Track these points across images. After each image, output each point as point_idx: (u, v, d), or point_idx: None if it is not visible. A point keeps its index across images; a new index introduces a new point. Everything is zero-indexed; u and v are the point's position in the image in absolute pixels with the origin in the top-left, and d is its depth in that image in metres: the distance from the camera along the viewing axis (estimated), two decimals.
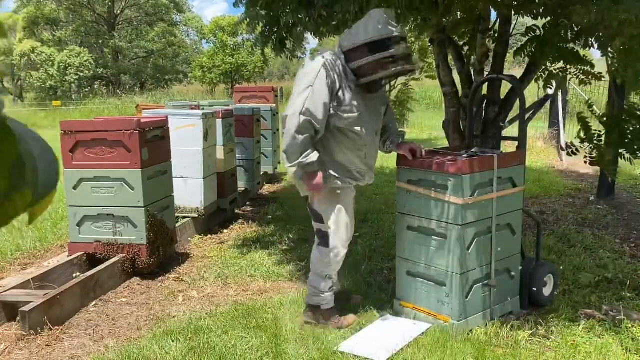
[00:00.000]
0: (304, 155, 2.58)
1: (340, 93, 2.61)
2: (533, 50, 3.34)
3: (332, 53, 2.68)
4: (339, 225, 2.80)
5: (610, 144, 3.23)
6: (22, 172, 0.45)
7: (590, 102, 3.58)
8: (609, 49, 3.05)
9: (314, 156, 2.60)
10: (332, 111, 2.61)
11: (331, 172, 2.72)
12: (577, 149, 3.49)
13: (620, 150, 3.22)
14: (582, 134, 3.37)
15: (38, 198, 0.47)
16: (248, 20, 3.65)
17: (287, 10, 3.33)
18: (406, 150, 2.82)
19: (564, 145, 3.57)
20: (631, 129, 3.16)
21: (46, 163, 0.48)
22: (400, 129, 3.04)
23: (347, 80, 2.63)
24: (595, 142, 3.32)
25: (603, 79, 3.46)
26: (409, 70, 2.68)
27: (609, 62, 3.16)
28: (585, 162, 3.45)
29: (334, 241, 2.80)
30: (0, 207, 0.45)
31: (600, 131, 3.33)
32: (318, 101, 2.56)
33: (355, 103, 2.64)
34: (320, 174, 2.65)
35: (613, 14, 2.37)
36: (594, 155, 3.33)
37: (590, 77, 3.56)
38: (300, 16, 3.29)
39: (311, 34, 3.83)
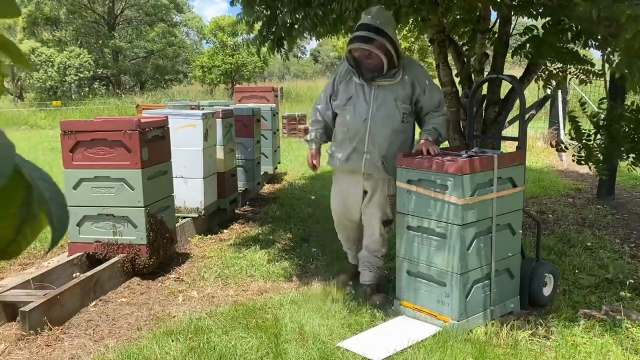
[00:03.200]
0: (308, 134, 3.33)
1: (339, 85, 3.19)
2: (530, 49, 3.35)
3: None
4: (332, 203, 3.39)
5: (599, 144, 3.24)
6: (30, 207, 0.49)
7: (583, 101, 3.58)
8: (610, 48, 3.05)
9: (311, 135, 3.32)
10: (332, 99, 3.24)
11: (329, 153, 3.29)
12: (566, 146, 3.50)
13: (608, 152, 3.23)
14: (572, 133, 3.39)
15: (57, 239, 0.50)
16: (245, 19, 3.65)
17: (285, 10, 3.34)
18: (419, 147, 3.02)
19: (553, 143, 3.55)
20: (618, 130, 3.17)
21: (57, 206, 0.50)
22: (433, 126, 3.11)
23: (349, 74, 3.15)
24: (584, 141, 3.33)
25: (604, 77, 3.46)
26: (361, 48, 2.98)
27: (609, 61, 3.16)
28: (573, 161, 3.46)
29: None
30: (14, 242, 0.49)
31: (590, 130, 3.34)
32: (323, 93, 3.32)
33: (347, 91, 3.14)
34: (312, 151, 3.31)
35: (620, 10, 2.37)
36: (582, 154, 3.33)
37: (590, 75, 3.55)
38: (298, 16, 3.30)
39: (309, 33, 3.83)
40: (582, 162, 3.36)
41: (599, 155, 3.25)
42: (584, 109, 3.46)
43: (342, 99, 3.14)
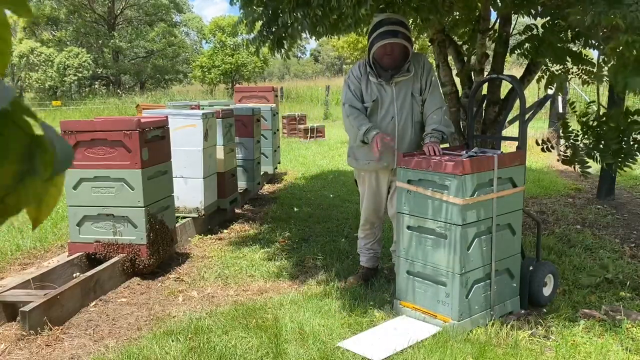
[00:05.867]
0: (360, 130, 3.08)
1: (363, 89, 3.19)
2: (528, 49, 3.35)
3: (361, 61, 3.27)
4: (362, 204, 3.44)
5: (586, 144, 3.25)
6: (33, 161, 0.46)
7: (572, 101, 3.59)
8: (604, 52, 3.05)
9: (362, 127, 3.07)
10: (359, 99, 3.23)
11: (351, 157, 3.34)
12: (552, 146, 3.50)
13: (593, 153, 3.23)
14: (561, 132, 3.40)
15: (60, 167, 0.48)
16: (245, 20, 3.65)
17: (285, 10, 3.34)
18: (424, 149, 3.04)
19: (539, 141, 3.55)
20: (606, 131, 3.17)
21: (61, 143, 0.49)
22: (434, 127, 3.11)
23: (369, 76, 3.16)
24: (571, 140, 3.33)
25: (598, 79, 3.46)
26: (391, 42, 3.01)
27: (605, 62, 3.17)
28: (558, 160, 3.48)
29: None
30: (14, 193, 0.46)
31: (578, 131, 3.35)
32: (345, 96, 3.23)
33: (371, 93, 3.16)
34: (381, 134, 3.01)
35: (608, 18, 2.37)
36: (567, 153, 3.34)
37: (592, 76, 3.55)
38: (297, 15, 3.30)
39: (308, 33, 3.82)
40: (567, 163, 3.37)
41: (584, 155, 3.26)
42: (574, 108, 3.47)
43: (367, 100, 3.17)
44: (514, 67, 18.55)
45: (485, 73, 3.88)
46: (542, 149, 3.51)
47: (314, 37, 3.88)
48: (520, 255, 3.05)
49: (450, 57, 4.00)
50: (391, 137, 3.10)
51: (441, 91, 3.36)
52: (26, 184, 0.47)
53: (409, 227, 2.90)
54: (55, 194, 0.49)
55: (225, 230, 4.89)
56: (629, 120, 3.13)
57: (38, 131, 0.47)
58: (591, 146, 3.24)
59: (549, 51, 3.25)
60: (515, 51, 3.44)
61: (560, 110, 9.25)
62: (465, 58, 4.02)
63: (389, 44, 3.01)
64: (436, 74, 4.01)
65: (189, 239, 4.51)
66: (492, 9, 3.66)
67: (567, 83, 8.03)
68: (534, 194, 6.13)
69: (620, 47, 2.54)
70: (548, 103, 9.20)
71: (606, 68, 2.86)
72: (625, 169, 3.17)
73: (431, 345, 2.59)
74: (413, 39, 3.15)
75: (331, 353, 2.56)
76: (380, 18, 3.06)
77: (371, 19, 3.18)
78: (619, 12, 2.35)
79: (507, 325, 2.75)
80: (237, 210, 5.56)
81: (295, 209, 5.50)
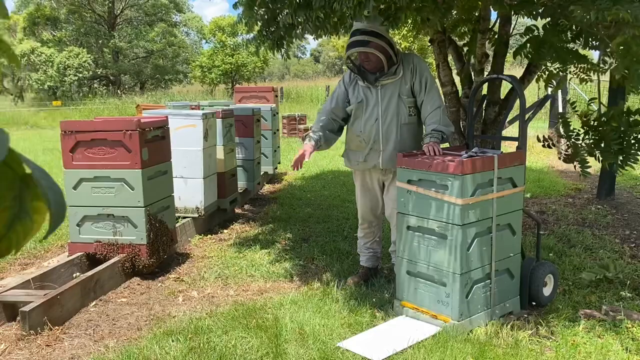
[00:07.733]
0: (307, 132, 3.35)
1: (350, 92, 3.32)
2: (531, 50, 3.35)
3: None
4: (358, 202, 3.53)
5: (587, 144, 3.26)
6: (22, 203, 0.46)
7: (571, 100, 3.59)
8: (607, 49, 3.05)
9: (312, 132, 3.35)
10: (345, 105, 3.36)
11: (345, 157, 3.44)
12: (552, 143, 3.50)
13: (596, 152, 3.23)
14: (561, 130, 3.40)
15: (55, 224, 0.49)
16: (245, 20, 3.65)
17: (286, 12, 3.34)
18: (424, 149, 3.06)
19: (541, 137, 3.55)
20: (608, 131, 3.17)
21: (55, 193, 0.49)
22: (434, 127, 3.10)
23: (354, 80, 3.29)
24: (572, 140, 3.34)
25: (598, 77, 3.46)
26: (358, 51, 3.15)
27: (604, 62, 3.16)
28: (559, 158, 3.47)
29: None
30: (5, 238, 0.47)
31: (579, 130, 3.35)
32: (329, 98, 3.44)
33: (357, 96, 3.26)
34: (306, 146, 3.26)
35: (612, 13, 2.37)
36: (569, 152, 3.34)
37: (591, 73, 3.54)
38: (299, 19, 3.30)
39: (310, 34, 3.83)
40: (568, 161, 3.37)
41: (585, 155, 3.26)
42: (574, 108, 3.47)
43: (353, 103, 3.29)
44: (514, 67, 18.56)
45: (485, 73, 3.88)
46: (543, 145, 3.52)
47: (314, 37, 3.88)
48: (520, 255, 3.05)
49: (450, 57, 4.00)
50: (307, 153, 3.22)
51: (440, 90, 3.36)
52: (17, 229, 0.47)
53: (409, 227, 2.90)
54: (39, 220, 0.49)
55: (225, 231, 4.89)
56: (630, 120, 3.13)
57: (27, 170, 0.47)
58: (592, 145, 3.24)
59: (550, 52, 3.25)
60: (519, 53, 3.43)
61: (560, 109, 9.26)
62: (465, 58, 4.02)
63: (363, 52, 3.11)
64: (436, 73, 4.01)
65: (189, 239, 4.51)
66: (492, 9, 3.65)
67: (567, 83, 8.02)
68: (534, 194, 6.13)
69: (626, 42, 2.54)
70: (548, 103, 9.21)
71: (614, 64, 2.85)
72: (626, 168, 3.17)
73: (431, 345, 2.59)
74: (393, 43, 3.16)
75: (331, 353, 2.56)
76: (355, 27, 3.15)
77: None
78: (623, 9, 2.35)
79: (507, 325, 2.75)
80: (237, 210, 5.56)
81: (295, 209, 5.51)
